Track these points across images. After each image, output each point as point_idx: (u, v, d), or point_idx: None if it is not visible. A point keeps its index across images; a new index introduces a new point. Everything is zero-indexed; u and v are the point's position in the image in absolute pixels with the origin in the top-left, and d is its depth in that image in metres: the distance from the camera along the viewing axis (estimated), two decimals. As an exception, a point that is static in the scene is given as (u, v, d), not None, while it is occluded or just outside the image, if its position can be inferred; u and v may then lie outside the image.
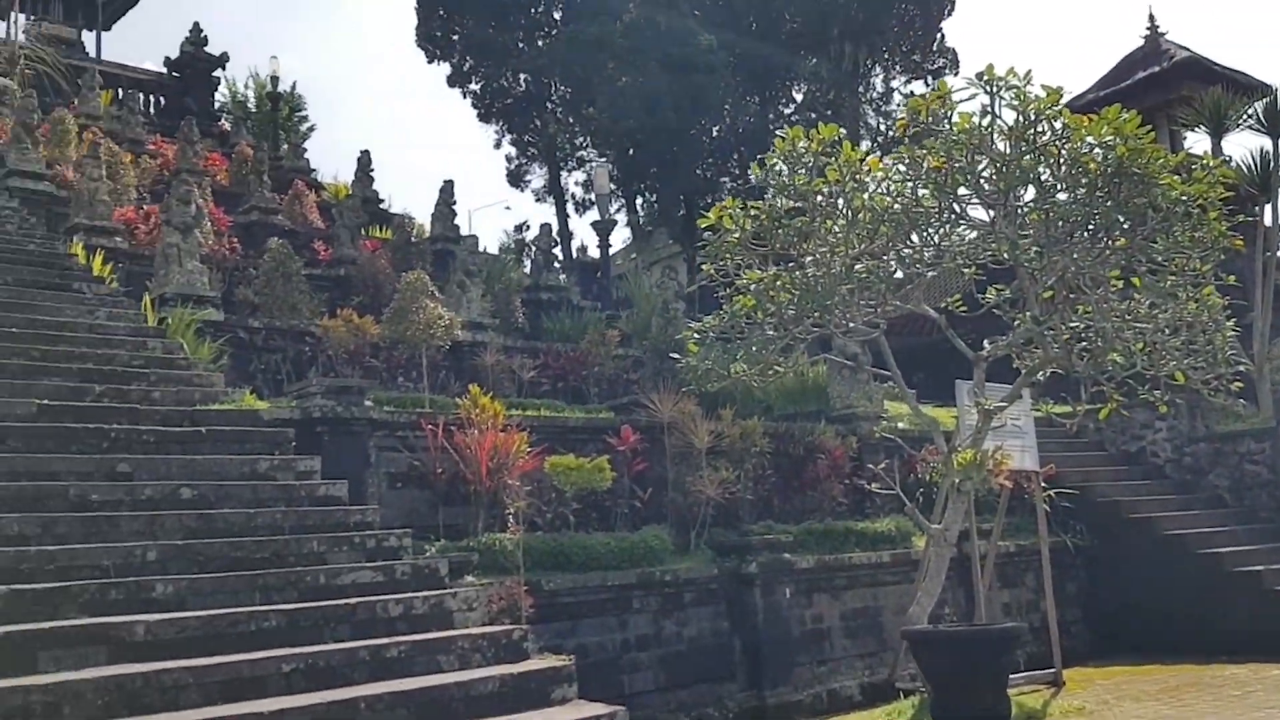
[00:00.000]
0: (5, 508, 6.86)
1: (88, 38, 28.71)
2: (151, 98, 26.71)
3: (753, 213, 9.80)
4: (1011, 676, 9.86)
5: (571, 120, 30.74)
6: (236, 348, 12.05)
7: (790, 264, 9.94)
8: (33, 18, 26.69)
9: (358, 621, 6.68)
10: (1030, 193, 9.11)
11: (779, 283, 9.73)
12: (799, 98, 30.94)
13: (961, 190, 9.35)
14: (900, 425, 13.55)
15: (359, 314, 13.23)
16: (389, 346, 12.76)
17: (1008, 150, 8.88)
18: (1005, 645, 9.22)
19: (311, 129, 33.46)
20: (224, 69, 28.40)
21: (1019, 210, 9.16)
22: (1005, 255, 9.15)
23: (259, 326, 12.76)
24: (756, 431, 12.94)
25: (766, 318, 9.78)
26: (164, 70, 27.22)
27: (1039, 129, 8.71)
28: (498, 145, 32.87)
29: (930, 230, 9.72)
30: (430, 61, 31.56)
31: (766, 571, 11.45)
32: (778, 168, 9.96)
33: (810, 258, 9.92)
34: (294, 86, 33.36)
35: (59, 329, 10.10)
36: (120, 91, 24.35)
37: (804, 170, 9.77)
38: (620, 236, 34.98)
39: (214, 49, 27.57)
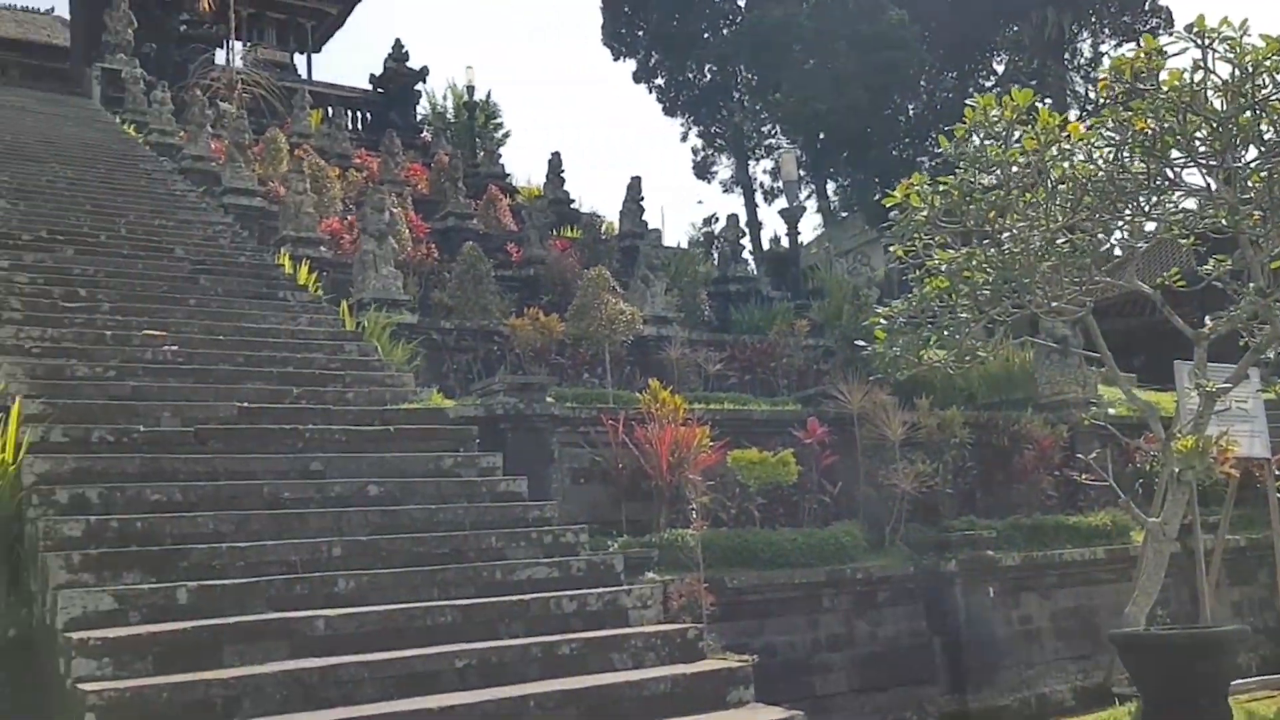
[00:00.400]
0: (205, 506, 7.19)
1: (299, 60, 30.44)
2: (358, 113, 28.10)
3: (941, 188, 9.25)
4: (1241, 681, 8.99)
5: (758, 108, 30.40)
6: (429, 349, 12.37)
7: (985, 241, 9.35)
8: (249, 44, 28.48)
9: (531, 618, 6.64)
10: (1251, 153, 8.22)
11: (974, 261, 9.15)
12: (1000, 69, 29.55)
13: (1174, 154, 8.53)
14: (1113, 411, 12.66)
15: (547, 312, 13.36)
16: (573, 343, 12.84)
17: (1223, 108, 8.03)
18: (1222, 649, 8.36)
19: (507, 135, 34.39)
20: (424, 82, 29.62)
21: (1239, 173, 8.28)
22: (1225, 223, 8.30)
23: (450, 328, 13.08)
24: (956, 421, 12.38)
25: (960, 300, 9.22)
26: (369, 87, 28.56)
27: (1258, 82, 7.82)
28: (684, 138, 32.97)
29: (1140, 199, 8.93)
30: (616, 59, 31.93)
31: (968, 569, 10.89)
32: (969, 139, 9.38)
33: (1007, 233, 9.29)
34: (489, 95, 34.39)
35: (263, 335, 10.58)
36: (329, 109, 25.58)
37: (998, 140, 9.15)
38: (812, 224, 34.36)
39: (415, 63, 28.76)
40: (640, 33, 31.04)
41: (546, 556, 7.50)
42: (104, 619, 5.72)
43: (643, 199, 19.78)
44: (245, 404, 8.68)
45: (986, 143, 9.10)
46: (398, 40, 28.76)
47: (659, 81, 31.58)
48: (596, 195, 72.37)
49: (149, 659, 5.42)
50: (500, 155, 26.37)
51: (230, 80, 23.46)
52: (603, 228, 19.61)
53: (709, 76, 30.95)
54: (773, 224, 49.73)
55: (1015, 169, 8.98)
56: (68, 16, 27.34)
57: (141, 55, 23.53)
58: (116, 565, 6.24)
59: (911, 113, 28.17)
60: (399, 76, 28.36)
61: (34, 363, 8.65)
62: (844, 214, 32.48)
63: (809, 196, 31.07)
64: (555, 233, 18.76)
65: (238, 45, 27.05)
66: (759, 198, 32.40)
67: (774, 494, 10.86)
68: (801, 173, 28.38)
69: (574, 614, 6.80)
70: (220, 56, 25.86)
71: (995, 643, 10.90)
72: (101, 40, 23.23)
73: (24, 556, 6.73)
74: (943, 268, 9.14)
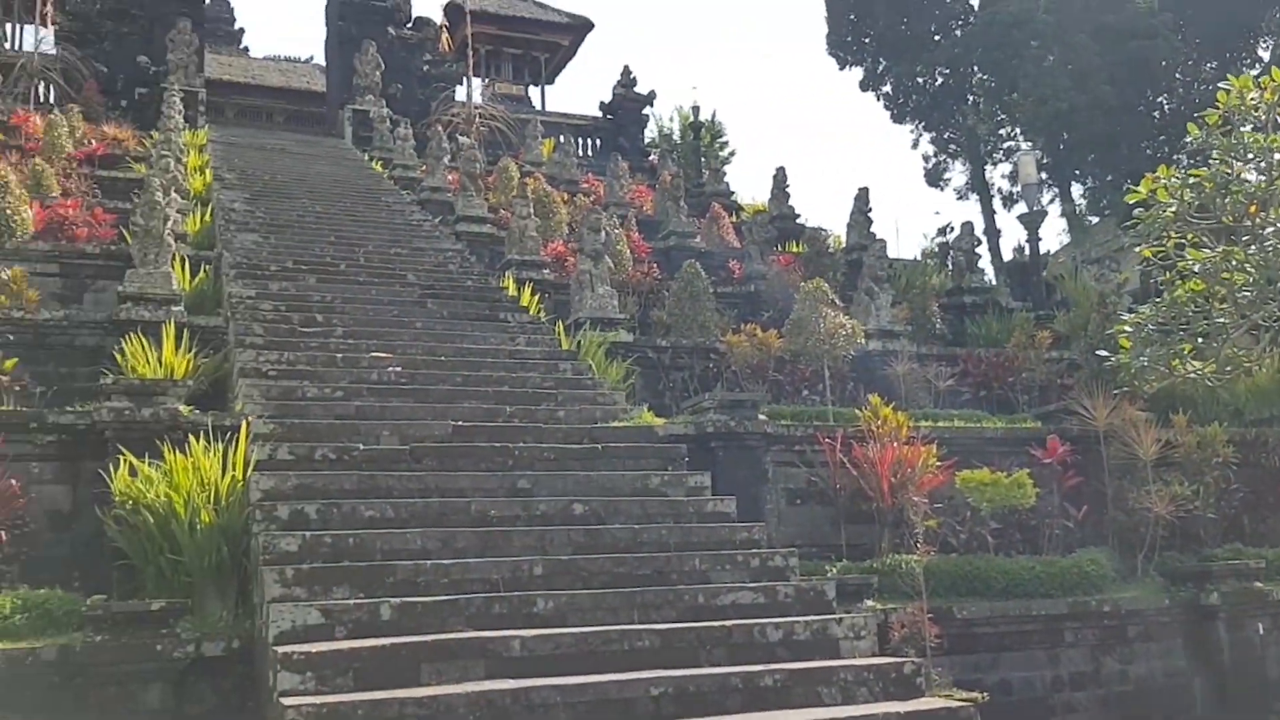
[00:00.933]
0: (414, 523, 7.31)
1: (533, 92, 31.51)
2: (588, 140, 28.79)
3: (1192, 181, 8.36)
4: None
5: (994, 109, 28.96)
6: (645, 367, 12.32)
7: (1245, 238, 8.37)
8: (486, 79, 29.78)
9: (733, 645, 6.35)
10: None
11: (1233, 261, 8.22)
12: (1265, 55, 26.94)
13: None
14: None
15: (766, 329, 13.06)
16: (792, 359, 12.45)
17: None
18: None
19: (732, 154, 34.32)
20: (651, 106, 29.99)
21: None
22: None
23: (666, 345, 12.98)
24: (1218, 439, 11.25)
25: (1218, 304, 8.31)
26: (599, 114, 29.22)
27: None
28: (914, 145, 31.99)
29: None
30: (842, 68, 31.35)
31: (1233, 602, 9.79)
32: (1224, 126, 8.46)
33: (1270, 228, 8.29)
34: (714, 115, 34.51)
35: (482, 355, 10.81)
36: (561, 137, 26.29)
37: (1258, 126, 8.20)
38: (1055, 229, 32.50)
39: (642, 88, 29.20)
40: (866, 39, 30.30)
41: (753, 581, 7.19)
42: (311, 633, 5.85)
43: (870, 210, 19.16)
44: (460, 422, 8.85)
45: (1243, 129, 8.18)
46: (626, 67, 29.28)
47: (887, 88, 30.70)
48: (824, 209, 71.25)
49: (349, 675, 5.49)
50: (725, 173, 26.27)
51: (468, 115, 24.57)
52: (829, 241, 19.10)
53: (940, 80, 29.78)
54: (1013, 232, 47.40)
55: (1278, 157, 8.02)
56: (324, 64, 29.39)
57: (388, 96, 24.95)
58: (327, 580, 6.40)
59: (1165, 108, 26.06)
60: (627, 102, 28.87)
61: (269, 384, 9.12)
62: (1092, 218, 30.47)
63: (1051, 201, 29.38)
64: (779, 248, 18.44)
65: (476, 81, 28.35)
66: (996, 204, 30.95)
67: (1009, 518, 10.12)
68: (1043, 176, 26.82)
69: (779, 643, 6.47)
70: (460, 93, 27.11)
71: (1267, 685, 9.73)
72: (352, 84, 24.80)
73: (249, 570, 7.04)
74: (1196, 268, 8.26)
